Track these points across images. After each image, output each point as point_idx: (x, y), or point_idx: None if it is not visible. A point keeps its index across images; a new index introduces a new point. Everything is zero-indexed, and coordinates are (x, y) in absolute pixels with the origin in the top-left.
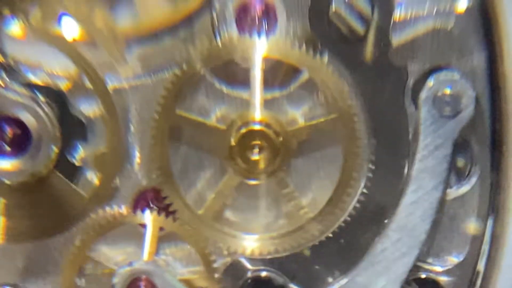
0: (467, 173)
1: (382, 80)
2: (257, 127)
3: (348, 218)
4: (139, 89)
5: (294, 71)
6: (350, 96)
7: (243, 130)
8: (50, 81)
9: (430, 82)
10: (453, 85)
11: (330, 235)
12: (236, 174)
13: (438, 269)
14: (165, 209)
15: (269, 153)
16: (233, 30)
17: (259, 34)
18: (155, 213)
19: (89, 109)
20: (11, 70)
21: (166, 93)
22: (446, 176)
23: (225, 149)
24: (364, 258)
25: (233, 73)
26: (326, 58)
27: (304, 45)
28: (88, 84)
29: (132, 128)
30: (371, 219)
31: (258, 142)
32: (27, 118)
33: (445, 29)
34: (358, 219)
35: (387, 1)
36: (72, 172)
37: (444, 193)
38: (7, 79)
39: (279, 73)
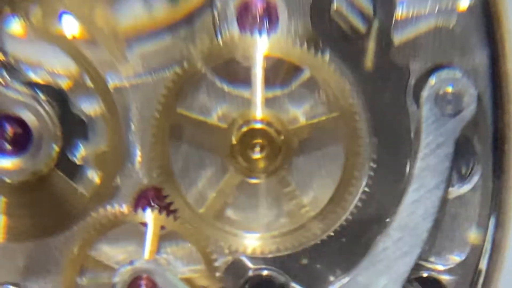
0: (469, 172)
1: (383, 78)
2: (258, 125)
3: (350, 217)
4: (140, 88)
5: (295, 70)
6: (351, 95)
7: (244, 129)
8: (51, 79)
9: (432, 81)
10: (455, 83)
11: (332, 234)
12: (237, 173)
13: (440, 268)
14: (166, 208)
15: (270, 151)
16: (234, 29)
17: (260, 33)
18: (156, 212)
19: (90, 107)
20: (12, 69)
21: (167, 92)
22: (448, 174)
23: (226, 148)
24: (365, 257)
25: (234, 71)
26: (327, 56)
27: (305, 43)
28: (89, 83)
29: (133, 126)
30: (373, 218)
31: (259, 140)
32: (28, 117)
33: (447, 28)
34: (360, 218)
35: None
36: (73, 170)
37: (446, 192)
38: (8, 77)
39: (280, 72)
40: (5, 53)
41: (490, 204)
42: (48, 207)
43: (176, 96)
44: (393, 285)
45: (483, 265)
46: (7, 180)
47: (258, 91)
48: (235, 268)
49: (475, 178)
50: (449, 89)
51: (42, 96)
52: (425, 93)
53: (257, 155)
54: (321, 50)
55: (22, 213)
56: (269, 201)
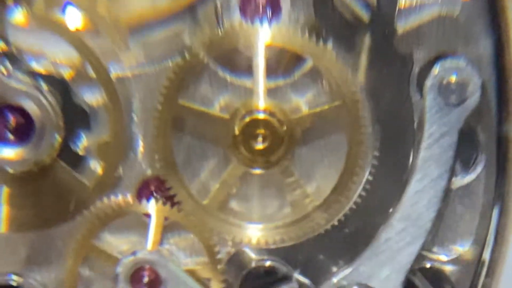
0: (472, 162)
1: (387, 67)
2: (261, 116)
3: (354, 206)
4: (142, 78)
5: (298, 59)
6: (354, 84)
7: (247, 119)
8: (53, 69)
9: (436, 70)
10: (459, 72)
11: (335, 223)
12: (240, 164)
13: (443, 258)
14: (169, 199)
15: (273, 142)
16: (237, 18)
17: (263, 22)
18: (160, 202)
19: (92, 97)
20: (14, 59)
21: (168, 83)
22: (451, 164)
23: (229, 139)
24: (368, 248)
25: (237, 61)
26: (330, 45)
27: (308, 32)
28: (91, 73)
29: (135, 117)
30: (376, 208)
31: (262, 131)
32: (30, 107)
33: (451, 16)
34: (363, 208)
35: None
36: (75, 161)
37: (449, 182)
38: (10, 67)
39: (283, 61)
40: (7, 43)
41: (494, 194)
42: (50, 197)
43: (178, 87)
44: (396, 276)
45: (486, 255)
46: (10, 170)
47: (261, 81)
48: (238, 259)
49: (479, 168)
50: (453, 78)
51: (44, 86)
52: (428, 82)
53: (259, 145)
54: (324, 39)
55: (24, 204)
56: (273, 192)
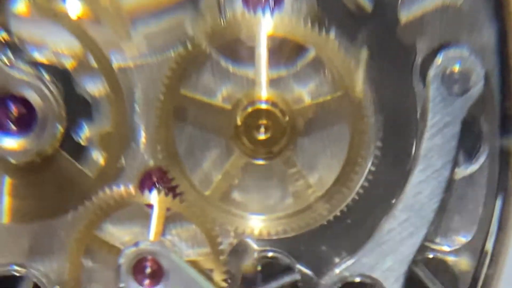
0: (475, 152)
1: (390, 57)
2: (263, 106)
3: (356, 197)
4: (144, 68)
5: (300, 49)
6: (357, 74)
7: (249, 110)
8: (55, 59)
9: (439, 59)
10: (462, 62)
11: (338, 214)
12: (242, 154)
13: (446, 249)
14: (171, 189)
15: (275, 132)
16: (239, 8)
17: (265, 12)
18: (162, 193)
19: (94, 87)
20: (16, 49)
21: (170, 73)
22: (454, 155)
23: (231, 129)
24: (371, 239)
25: (239, 51)
26: (333, 35)
27: (311, 22)
28: (93, 63)
29: (137, 107)
30: (379, 198)
31: (264, 121)
32: (33, 97)
33: (454, 5)
34: (366, 199)
35: None
36: (78, 151)
37: (452, 172)
38: (12, 57)
39: (285, 51)
40: (9, 33)
41: (497, 184)
42: (52, 188)
43: (180, 78)
44: (398, 267)
45: (489, 246)
46: (12, 161)
47: (263, 71)
48: (240, 250)
49: (482, 159)
50: (456, 68)
51: (46, 76)
52: (431, 72)
53: (262, 136)
54: (326, 29)
55: (26, 194)
56: (275, 182)
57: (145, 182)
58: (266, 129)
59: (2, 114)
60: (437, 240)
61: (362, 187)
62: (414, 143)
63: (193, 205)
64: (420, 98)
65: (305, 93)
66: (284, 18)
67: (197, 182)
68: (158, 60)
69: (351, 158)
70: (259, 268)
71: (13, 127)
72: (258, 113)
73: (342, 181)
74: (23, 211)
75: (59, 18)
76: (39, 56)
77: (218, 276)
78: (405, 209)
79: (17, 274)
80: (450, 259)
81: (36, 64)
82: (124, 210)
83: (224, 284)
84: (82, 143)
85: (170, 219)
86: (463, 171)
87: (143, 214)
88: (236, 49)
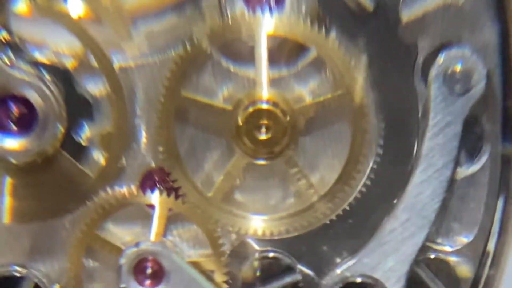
0: (477, 151)
1: (391, 57)
2: (264, 106)
3: (358, 196)
4: (145, 68)
5: (301, 49)
6: (357, 73)
7: (250, 110)
8: (56, 59)
9: (441, 59)
10: (464, 61)
11: (340, 213)
12: (244, 155)
13: (448, 249)
14: (173, 190)
15: (276, 132)
16: (240, 7)
17: (266, 11)
18: (164, 194)
19: (95, 88)
20: (17, 48)
21: (170, 75)
22: (456, 154)
23: (232, 130)
24: (372, 239)
25: (240, 51)
26: (334, 35)
27: (311, 21)
28: (94, 63)
29: (138, 107)
30: (380, 198)
31: (265, 121)
32: (33, 97)
33: (456, 4)
34: (368, 198)
35: None
36: (78, 151)
37: (454, 172)
38: (13, 57)
39: (286, 51)
40: (10, 33)
41: (499, 184)
42: (53, 188)
43: (181, 79)
44: (400, 267)
45: (491, 246)
46: (13, 161)
47: (264, 71)
48: (241, 250)
49: (484, 158)
50: (458, 67)
51: (47, 76)
52: (433, 72)
53: (263, 136)
54: (327, 28)
55: (27, 194)
56: (276, 182)
57: (146, 182)
58: (267, 129)
59: (3, 114)
60: (439, 240)
61: (365, 185)
62: (416, 142)
63: (195, 206)
64: (421, 98)
65: (306, 93)
66: (285, 17)
67: (199, 183)
68: (159, 60)
69: (352, 157)
70: (260, 269)
71: (13, 127)
72: (259, 113)
73: (344, 180)
74: (23, 211)
75: (60, 18)
76: (40, 56)
77: (219, 277)
78: (407, 209)
79: (18, 275)
80: (452, 259)
81: (37, 64)
82: (125, 210)
83: (225, 285)
84: (83, 143)
85: (171, 220)
86: (464, 171)
87: (144, 214)
88: (237, 49)
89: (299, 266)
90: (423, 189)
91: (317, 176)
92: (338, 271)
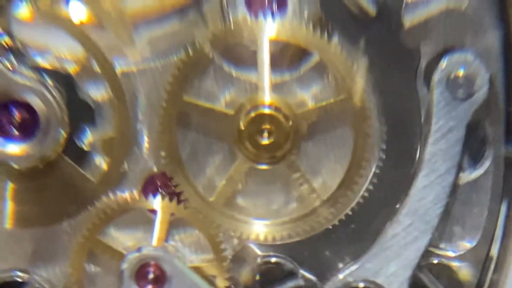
0: (480, 156)
1: (394, 61)
2: (266, 110)
3: (361, 200)
4: (147, 73)
5: (303, 53)
6: (360, 78)
7: (252, 114)
8: (58, 64)
9: (443, 64)
10: (466, 66)
11: (343, 218)
12: (246, 159)
13: (451, 254)
14: (175, 195)
15: (278, 137)
16: (243, 12)
17: (268, 16)
18: (166, 199)
19: (97, 93)
20: (19, 54)
21: (172, 80)
22: (459, 159)
23: (234, 134)
24: (375, 244)
25: (242, 56)
26: (336, 39)
27: (314, 26)
28: (96, 68)
29: (140, 112)
30: (383, 202)
31: (267, 126)
32: (35, 102)
33: (458, 9)
34: (370, 203)
35: None
36: (80, 156)
37: (457, 177)
38: (15, 62)
39: (289, 56)
40: (12, 38)
41: (502, 189)
42: (55, 193)
43: (183, 84)
44: (402, 272)
45: (494, 251)
46: (15, 166)
47: (266, 76)
48: (243, 255)
49: (487, 163)
50: (461, 72)
51: (49, 81)
52: (436, 76)
53: (265, 140)
54: (329, 33)
55: (29, 199)
56: (279, 187)
57: (148, 187)
58: (270, 134)
59: (5, 119)
60: (442, 245)
61: (367, 190)
62: (418, 147)
63: (197, 211)
64: (424, 103)
65: (308, 97)
66: (287, 22)
67: (200, 188)
68: (161, 65)
69: (355, 161)
70: (261, 274)
71: (15, 132)
72: (261, 118)
73: (347, 185)
74: (25, 216)
75: (62, 23)
76: (42, 61)
77: (221, 283)
78: (409, 214)
79: (20, 280)
80: (455, 264)
81: (39, 69)
82: (127, 215)
83: None
84: (85, 148)
85: (173, 225)
86: (467, 176)
87: (146, 219)
88: (239, 53)
89: (301, 271)
90: (426, 194)
91: (320, 181)
92: (341, 276)
